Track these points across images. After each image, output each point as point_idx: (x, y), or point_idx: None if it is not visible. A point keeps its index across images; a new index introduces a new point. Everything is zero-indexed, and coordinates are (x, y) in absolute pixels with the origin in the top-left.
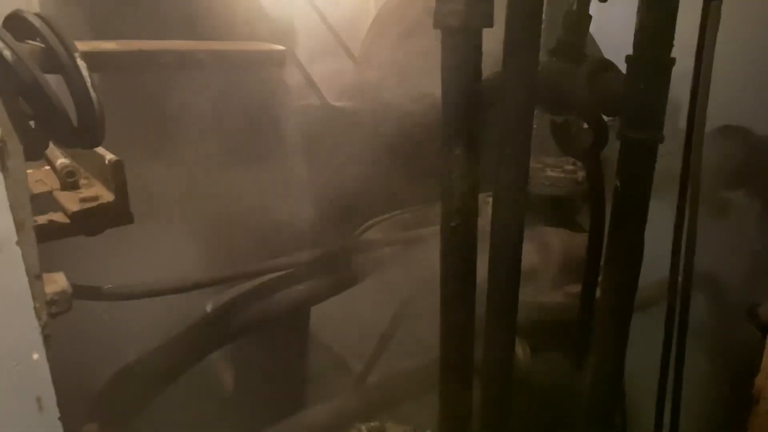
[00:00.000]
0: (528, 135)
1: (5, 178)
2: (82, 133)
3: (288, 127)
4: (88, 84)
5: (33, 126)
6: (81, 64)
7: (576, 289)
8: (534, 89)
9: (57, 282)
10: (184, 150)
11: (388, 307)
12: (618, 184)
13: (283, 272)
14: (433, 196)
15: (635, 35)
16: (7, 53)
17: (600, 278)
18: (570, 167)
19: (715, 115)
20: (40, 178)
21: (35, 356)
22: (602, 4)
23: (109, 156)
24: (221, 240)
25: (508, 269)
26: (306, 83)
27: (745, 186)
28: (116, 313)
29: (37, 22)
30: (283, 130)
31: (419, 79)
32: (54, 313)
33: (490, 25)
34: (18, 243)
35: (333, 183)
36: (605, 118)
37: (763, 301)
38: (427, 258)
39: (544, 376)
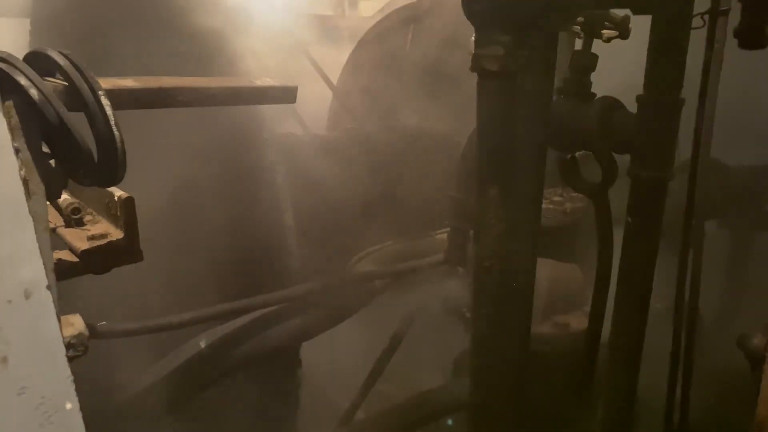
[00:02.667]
0: (542, 172)
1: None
2: (103, 172)
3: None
4: (112, 123)
5: (53, 164)
6: (105, 102)
7: (565, 319)
8: (547, 127)
9: (74, 325)
10: None
11: (378, 341)
12: (629, 221)
13: (277, 307)
14: (422, 226)
15: (646, 76)
16: (33, 92)
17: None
18: (558, 198)
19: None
20: None
21: (68, 406)
22: (605, 44)
23: (119, 192)
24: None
25: (520, 304)
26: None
27: (718, 216)
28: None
29: (60, 60)
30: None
31: (396, 109)
32: (71, 357)
33: (526, 69)
34: (48, 287)
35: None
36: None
37: (754, 332)
38: (419, 291)
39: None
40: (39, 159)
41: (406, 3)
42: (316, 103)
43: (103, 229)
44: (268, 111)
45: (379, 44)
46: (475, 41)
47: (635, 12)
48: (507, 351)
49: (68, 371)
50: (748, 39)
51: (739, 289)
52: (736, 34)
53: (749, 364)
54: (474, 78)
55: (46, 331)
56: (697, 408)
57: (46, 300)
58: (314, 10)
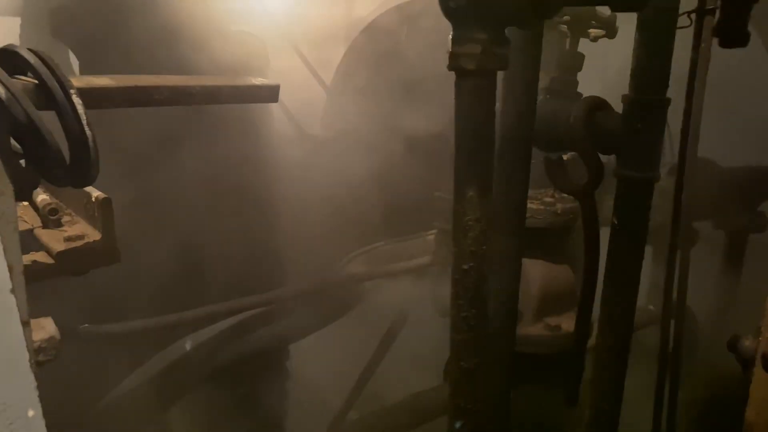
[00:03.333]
0: (526, 172)
1: None
2: (76, 172)
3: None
4: (84, 122)
5: (23, 164)
6: (77, 101)
7: (556, 321)
8: (532, 127)
9: (45, 328)
10: None
11: (369, 341)
12: (615, 222)
13: (265, 308)
14: (413, 226)
15: (631, 76)
16: (0, 90)
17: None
18: (549, 199)
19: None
20: (19, 214)
21: (31, 413)
22: (593, 44)
23: (96, 193)
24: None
25: (504, 307)
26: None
27: (711, 217)
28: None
29: (31, 58)
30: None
31: (391, 109)
32: (41, 362)
33: (505, 67)
34: (12, 290)
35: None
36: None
37: (745, 334)
38: (411, 292)
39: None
40: (7, 158)
41: (400, 2)
42: (309, 103)
43: (81, 230)
44: (261, 112)
45: (373, 44)
46: (452, 39)
47: (614, 9)
48: (490, 354)
49: (32, 377)
50: (729, 37)
51: (732, 290)
52: (716, 32)
53: (740, 367)
54: None
55: (8, 336)
56: (687, 409)
57: (9, 304)
58: (308, 9)
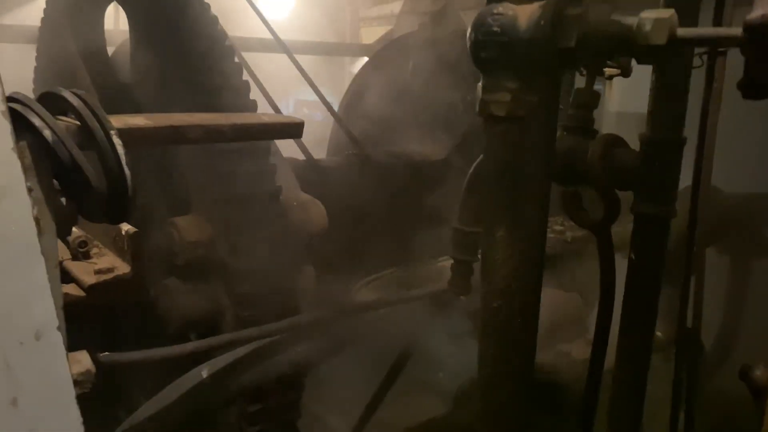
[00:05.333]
0: (546, 208)
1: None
2: (113, 209)
3: None
4: (123, 162)
5: (64, 202)
6: (117, 141)
7: (566, 348)
8: (551, 165)
9: (81, 362)
10: None
11: (379, 367)
12: (632, 257)
13: (279, 336)
14: (422, 253)
15: (648, 115)
16: (47, 133)
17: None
18: (558, 227)
19: (686, 173)
20: None
21: None
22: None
23: (126, 227)
24: None
25: (527, 342)
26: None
27: (715, 242)
28: None
29: (74, 100)
30: None
31: (399, 136)
32: (77, 395)
33: (534, 113)
34: (59, 328)
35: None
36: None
37: (756, 363)
38: (420, 318)
39: None
40: (51, 197)
41: (406, 32)
42: (317, 128)
43: (110, 262)
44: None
45: (380, 72)
46: (483, 87)
47: (640, 62)
48: (516, 391)
49: (78, 413)
50: (753, 91)
51: (740, 315)
52: (740, 86)
53: (752, 396)
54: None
55: (56, 372)
56: None
57: (56, 340)
58: (317, 37)
